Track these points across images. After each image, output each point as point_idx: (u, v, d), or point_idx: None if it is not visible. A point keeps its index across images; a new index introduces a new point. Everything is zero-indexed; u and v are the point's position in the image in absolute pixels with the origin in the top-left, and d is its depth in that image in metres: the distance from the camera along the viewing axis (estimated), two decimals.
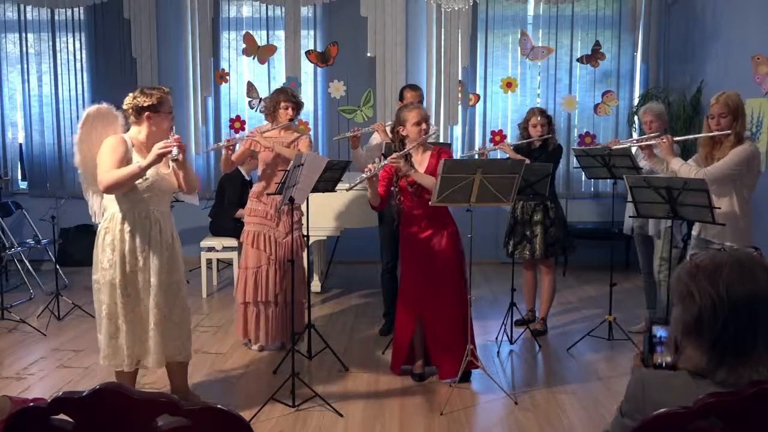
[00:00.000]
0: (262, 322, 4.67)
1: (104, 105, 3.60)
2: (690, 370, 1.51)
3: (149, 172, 3.36)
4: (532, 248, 4.94)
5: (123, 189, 3.37)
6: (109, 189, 3.35)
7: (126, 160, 3.38)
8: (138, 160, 3.38)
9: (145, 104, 3.43)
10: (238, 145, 4.56)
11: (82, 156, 3.52)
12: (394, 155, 3.91)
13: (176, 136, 3.37)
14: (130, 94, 3.50)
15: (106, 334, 3.49)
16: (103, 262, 3.44)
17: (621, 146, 4.57)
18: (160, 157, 3.30)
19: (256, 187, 4.68)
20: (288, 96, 4.60)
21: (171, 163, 3.37)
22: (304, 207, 4.44)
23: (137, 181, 3.35)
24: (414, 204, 4.05)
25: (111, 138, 3.43)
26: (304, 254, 4.89)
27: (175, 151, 3.28)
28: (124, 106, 3.49)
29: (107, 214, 3.49)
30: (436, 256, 4.06)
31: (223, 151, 4.48)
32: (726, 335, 1.45)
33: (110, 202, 3.45)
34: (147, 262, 3.45)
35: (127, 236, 3.42)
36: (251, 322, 4.66)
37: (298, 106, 4.65)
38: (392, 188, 4.07)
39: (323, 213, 5.59)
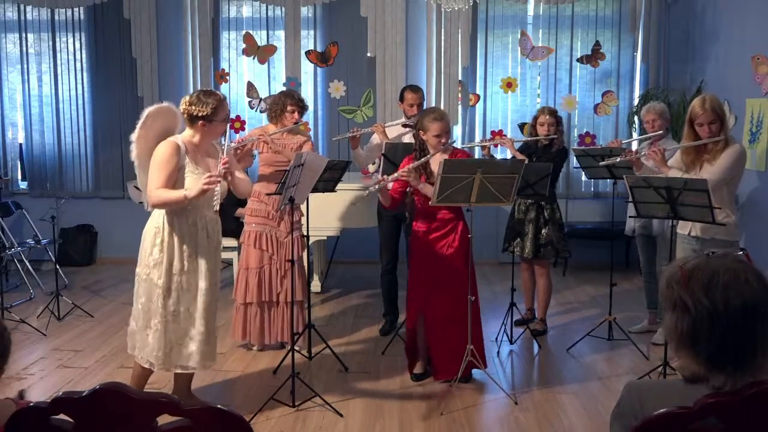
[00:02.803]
0: (265, 322, 4.66)
1: (165, 104, 3.57)
2: (686, 377, 1.50)
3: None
4: (522, 247, 4.95)
5: (169, 208, 3.42)
6: (156, 206, 3.43)
7: (178, 169, 3.39)
8: (190, 168, 3.40)
9: (199, 114, 3.41)
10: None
11: (139, 151, 3.50)
12: (405, 170, 3.96)
13: (224, 161, 3.36)
14: (186, 98, 3.47)
15: (140, 328, 3.51)
16: (147, 260, 3.47)
17: (611, 162, 4.42)
18: (203, 193, 3.28)
19: (257, 187, 4.68)
20: (294, 99, 4.63)
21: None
22: (303, 207, 4.44)
23: (198, 200, 3.36)
24: (426, 203, 4.06)
25: (163, 146, 3.41)
26: (304, 254, 4.89)
27: (217, 190, 3.28)
28: (180, 109, 3.48)
29: (157, 213, 3.51)
30: (444, 256, 4.06)
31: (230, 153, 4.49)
32: (723, 347, 1.42)
33: None
34: (193, 267, 3.47)
35: (175, 240, 3.45)
36: (252, 323, 4.64)
37: (303, 109, 4.68)
38: (407, 189, 4.11)
39: (323, 213, 5.58)
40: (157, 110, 3.51)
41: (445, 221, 4.07)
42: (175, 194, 3.34)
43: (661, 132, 4.75)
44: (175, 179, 3.39)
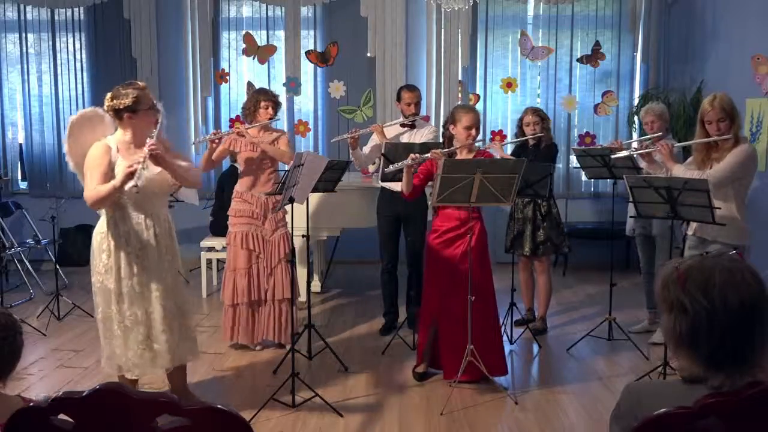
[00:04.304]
0: (254, 321, 4.66)
1: (88, 109, 3.54)
2: (685, 377, 1.50)
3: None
4: (522, 245, 4.96)
5: (106, 204, 3.35)
6: (93, 206, 3.35)
7: (111, 170, 3.32)
8: (123, 165, 3.29)
9: (122, 106, 3.33)
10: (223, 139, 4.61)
11: (75, 162, 3.48)
12: (438, 150, 4.00)
13: (151, 143, 3.26)
14: (108, 95, 3.39)
15: (102, 337, 3.50)
16: (98, 267, 3.42)
17: (621, 155, 4.52)
18: (129, 176, 3.19)
19: (238, 187, 4.69)
20: (268, 96, 4.65)
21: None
22: (294, 207, 4.43)
23: (126, 187, 3.23)
24: None
25: (93, 149, 3.36)
26: (304, 253, 4.90)
27: (138, 169, 3.17)
28: (105, 109, 3.42)
29: (102, 219, 3.46)
30: (459, 256, 4.02)
31: (207, 146, 4.52)
32: (722, 346, 1.43)
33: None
34: (143, 268, 3.41)
35: (122, 241, 3.39)
36: (241, 324, 4.64)
37: (277, 105, 4.69)
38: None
39: (323, 213, 5.58)
40: (80, 117, 3.47)
41: (463, 221, 4.03)
42: (104, 188, 3.26)
43: (660, 133, 4.76)
44: (110, 179, 3.30)
